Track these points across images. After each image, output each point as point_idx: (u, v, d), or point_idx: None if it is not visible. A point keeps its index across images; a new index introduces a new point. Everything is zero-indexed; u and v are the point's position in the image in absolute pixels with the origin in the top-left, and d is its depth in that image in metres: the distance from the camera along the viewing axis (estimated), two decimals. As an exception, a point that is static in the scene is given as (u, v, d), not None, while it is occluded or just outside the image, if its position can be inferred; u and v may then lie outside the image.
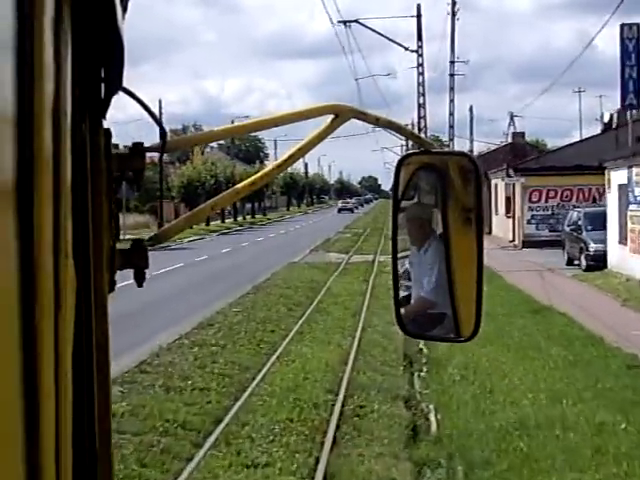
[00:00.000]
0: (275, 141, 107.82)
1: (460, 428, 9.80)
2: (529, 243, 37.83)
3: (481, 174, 2.25)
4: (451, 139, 59.78)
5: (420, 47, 56.24)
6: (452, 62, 59.47)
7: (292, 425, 9.96)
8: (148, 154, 1.71)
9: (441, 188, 2.32)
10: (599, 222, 27.85)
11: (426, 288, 2.38)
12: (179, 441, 9.37)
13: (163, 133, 1.75)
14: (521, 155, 48.93)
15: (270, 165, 2.19)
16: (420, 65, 56.53)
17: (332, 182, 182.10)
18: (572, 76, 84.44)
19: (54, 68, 0.83)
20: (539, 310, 18.67)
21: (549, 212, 39.01)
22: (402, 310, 2.24)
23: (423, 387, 12.14)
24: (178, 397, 11.21)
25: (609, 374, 12.22)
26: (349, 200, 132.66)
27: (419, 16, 56.00)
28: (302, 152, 2.08)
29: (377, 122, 2.27)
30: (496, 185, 45.88)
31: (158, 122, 1.74)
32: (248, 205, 78.82)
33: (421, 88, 57.31)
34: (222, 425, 9.91)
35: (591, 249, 27.59)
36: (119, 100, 1.44)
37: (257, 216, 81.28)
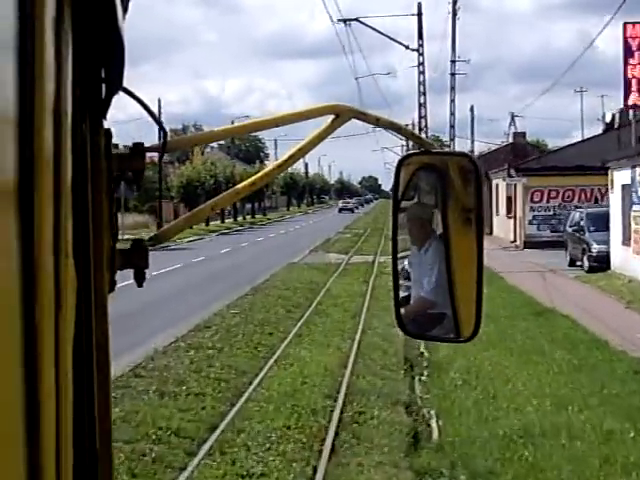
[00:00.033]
0: (275, 141, 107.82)
1: (462, 435, 9.52)
2: (530, 244, 37.60)
3: (481, 174, 2.24)
4: (452, 139, 59.51)
5: (421, 46, 55.96)
6: (453, 61, 59.13)
7: (289, 432, 9.68)
8: (148, 154, 1.72)
9: (441, 188, 2.33)
10: (602, 223, 27.62)
11: (426, 288, 2.38)
12: (172, 449, 9.08)
13: (164, 133, 1.76)
14: (522, 155, 48.71)
15: (270, 165, 2.21)
16: (421, 64, 56.25)
17: (332, 182, 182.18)
18: (573, 76, 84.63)
19: (55, 68, 0.83)
20: (542, 312, 18.40)
21: (551, 212, 38.83)
22: (402, 310, 2.25)
23: (424, 392, 11.85)
24: (172, 403, 10.93)
25: (615, 379, 11.93)
26: (349, 200, 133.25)
27: (420, 14, 55.74)
28: (302, 152, 2.09)
29: (377, 122, 2.28)
30: (497, 185, 45.66)
31: (158, 122, 1.75)
32: (248, 205, 78.64)
33: (422, 87, 57.05)
34: (217, 432, 9.62)
35: (594, 250, 27.34)
36: (119, 100, 1.45)
37: (257, 216, 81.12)
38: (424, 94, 57.28)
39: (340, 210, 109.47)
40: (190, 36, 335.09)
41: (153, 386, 11.66)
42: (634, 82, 30.77)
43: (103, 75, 1.30)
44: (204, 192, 55.07)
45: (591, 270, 26.81)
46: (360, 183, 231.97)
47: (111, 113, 1.43)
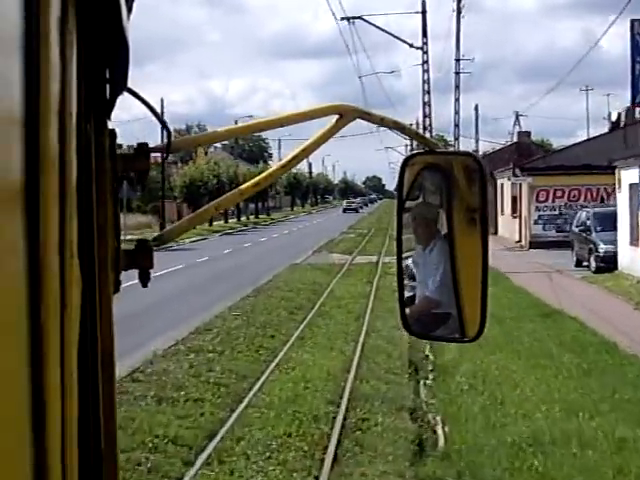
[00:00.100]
0: (279, 141, 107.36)
1: (469, 443, 9.20)
2: (536, 244, 37.26)
3: (486, 174, 2.23)
4: (457, 138, 59.20)
5: (425, 44, 55.69)
6: (457, 60, 58.80)
7: (290, 440, 9.37)
8: (152, 154, 1.70)
9: (446, 188, 2.32)
10: (609, 222, 27.30)
11: (431, 288, 2.37)
12: (169, 458, 8.78)
13: (168, 134, 1.76)
14: (527, 155, 48.39)
15: (274, 165, 2.20)
16: (425, 62, 55.96)
17: (336, 182, 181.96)
18: (577, 75, 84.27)
19: (60, 68, 0.84)
20: (549, 314, 18.06)
21: (556, 212, 38.51)
22: (407, 310, 2.24)
23: (429, 397, 11.54)
24: (170, 409, 10.62)
25: (626, 384, 11.59)
26: (354, 200, 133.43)
27: (424, 12, 55.41)
28: (306, 152, 2.08)
29: (382, 122, 2.26)
30: (502, 185, 45.33)
31: (163, 123, 1.75)
32: (252, 205, 78.40)
33: (426, 86, 56.77)
34: (216, 440, 9.31)
35: (601, 250, 27.01)
36: (123, 100, 1.46)
37: (261, 216, 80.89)
38: (428, 93, 57.02)
39: (344, 210, 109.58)
40: (194, 36, 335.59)
41: (151, 391, 11.36)
42: (641, 80, 30.40)
43: (108, 75, 1.31)
44: (207, 192, 54.89)
45: (598, 271, 26.48)
46: (364, 183, 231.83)
47: (115, 113, 1.45)
